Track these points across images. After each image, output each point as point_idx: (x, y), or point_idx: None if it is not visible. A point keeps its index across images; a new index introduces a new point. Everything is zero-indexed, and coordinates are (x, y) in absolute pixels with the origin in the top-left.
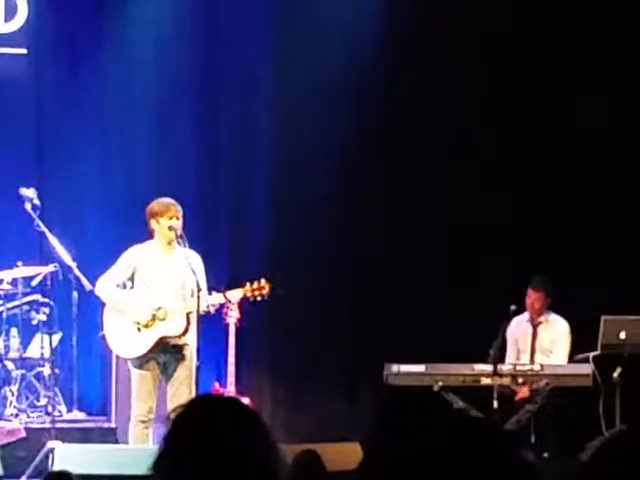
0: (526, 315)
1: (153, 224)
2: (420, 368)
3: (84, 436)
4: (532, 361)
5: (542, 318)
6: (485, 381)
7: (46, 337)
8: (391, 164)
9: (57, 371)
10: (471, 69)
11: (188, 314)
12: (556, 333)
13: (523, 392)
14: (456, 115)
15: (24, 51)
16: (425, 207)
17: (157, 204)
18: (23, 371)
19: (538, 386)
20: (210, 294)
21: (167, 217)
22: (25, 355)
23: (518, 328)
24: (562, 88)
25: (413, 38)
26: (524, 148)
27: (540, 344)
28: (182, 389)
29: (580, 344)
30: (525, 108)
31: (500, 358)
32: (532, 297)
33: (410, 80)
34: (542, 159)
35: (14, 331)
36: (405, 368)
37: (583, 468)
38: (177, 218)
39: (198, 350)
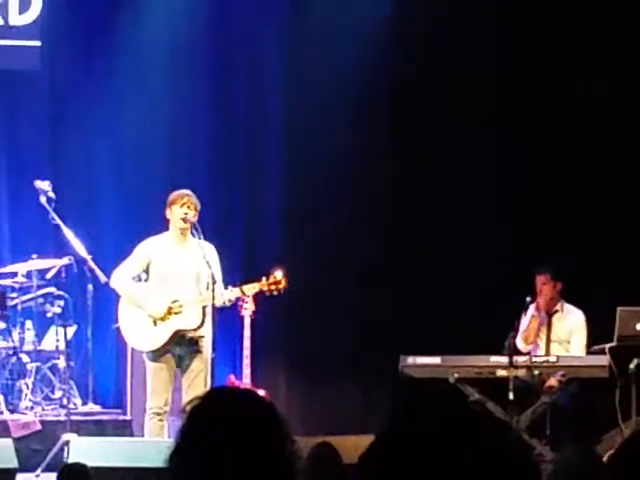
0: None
1: (168, 213)
2: (436, 360)
3: (99, 429)
4: (547, 351)
5: (558, 307)
6: (501, 373)
7: (61, 330)
8: (403, 157)
9: (72, 364)
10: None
11: (204, 307)
12: (572, 324)
13: (551, 381)
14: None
15: (38, 43)
16: (437, 201)
17: (173, 193)
18: (38, 364)
19: (554, 378)
20: (226, 288)
21: (180, 205)
22: (40, 348)
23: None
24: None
25: (429, 37)
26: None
27: (556, 334)
28: (197, 381)
29: (596, 336)
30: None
31: (515, 349)
32: (539, 282)
33: (422, 76)
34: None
35: (29, 324)
36: (421, 360)
37: (607, 466)
38: (190, 208)
39: (213, 342)
